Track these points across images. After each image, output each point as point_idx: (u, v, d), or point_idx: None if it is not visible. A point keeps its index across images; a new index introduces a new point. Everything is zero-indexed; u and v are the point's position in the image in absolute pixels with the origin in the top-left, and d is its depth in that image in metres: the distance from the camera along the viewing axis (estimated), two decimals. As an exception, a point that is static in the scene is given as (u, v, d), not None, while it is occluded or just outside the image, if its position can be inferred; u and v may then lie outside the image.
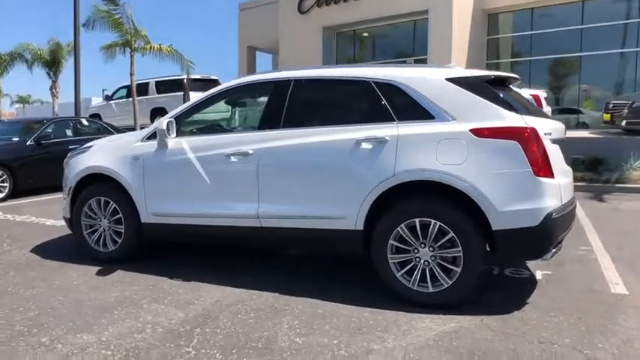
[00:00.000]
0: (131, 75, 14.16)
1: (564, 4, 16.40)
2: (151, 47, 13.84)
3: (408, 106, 3.64)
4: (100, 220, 4.68)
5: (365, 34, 20.08)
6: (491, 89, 3.59)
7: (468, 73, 3.69)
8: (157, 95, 15.24)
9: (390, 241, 3.56)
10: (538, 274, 4.26)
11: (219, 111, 4.74)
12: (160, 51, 13.94)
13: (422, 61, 16.91)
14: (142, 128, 15.44)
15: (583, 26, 16.34)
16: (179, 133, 4.33)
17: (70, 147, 9.42)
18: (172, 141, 4.30)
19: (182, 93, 14.86)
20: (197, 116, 4.49)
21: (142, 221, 4.44)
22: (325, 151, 3.76)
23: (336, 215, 3.71)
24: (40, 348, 2.96)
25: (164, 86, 15.21)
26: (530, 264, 4.47)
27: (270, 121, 4.04)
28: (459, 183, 3.35)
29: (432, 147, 3.45)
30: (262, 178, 3.93)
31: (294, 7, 19.35)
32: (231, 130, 4.51)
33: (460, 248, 3.39)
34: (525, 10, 17.31)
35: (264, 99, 4.79)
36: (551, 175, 3.38)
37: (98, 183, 4.68)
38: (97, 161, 4.65)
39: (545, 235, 3.34)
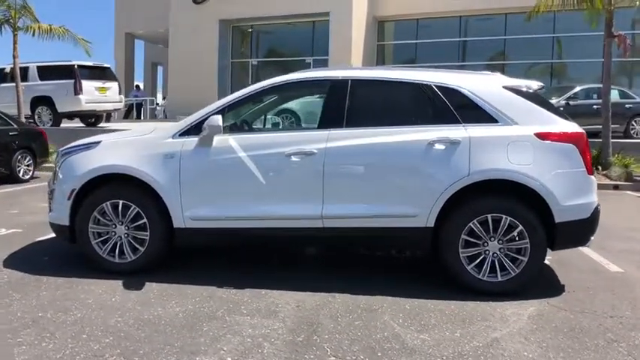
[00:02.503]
0: (14, 57, 12.10)
1: (446, 17, 18.21)
2: (39, 27, 11.99)
3: (471, 110, 3.89)
4: (115, 227, 4.11)
5: (259, 31, 19.97)
6: (540, 96, 4.03)
7: (519, 82, 4.08)
8: (39, 82, 13.30)
9: (462, 236, 3.79)
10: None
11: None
12: (51, 32, 12.17)
13: (323, 62, 17.42)
14: (27, 118, 13.39)
15: (461, 39, 18.35)
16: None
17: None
18: (218, 138, 3.97)
19: (72, 80, 13.24)
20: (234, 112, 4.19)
21: (176, 226, 4.03)
22: (396, 151, 3.85)
23: (407, 214, 3.82)
24: (166, 376, 2.59)
25: (48, 72, 13.32)
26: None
27: (331, 120, 3.97)
28: (531, 181, 3.71)
29: (503, 148, 3.75)
30: (328, 178, 3.86)
31: (187, -4, 18.46)
32: (284, 129, 4.27)
33: (527, 240, 3.75)
34: (411, 20, 18.84)
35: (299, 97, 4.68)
36: (593, 173, 3.92)
37: (113, 184, 4.12)
38: (116, 159, 4.08)
39: (592, 225, 3.87)
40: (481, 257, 3.81)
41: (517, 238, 3.77)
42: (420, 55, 19.04)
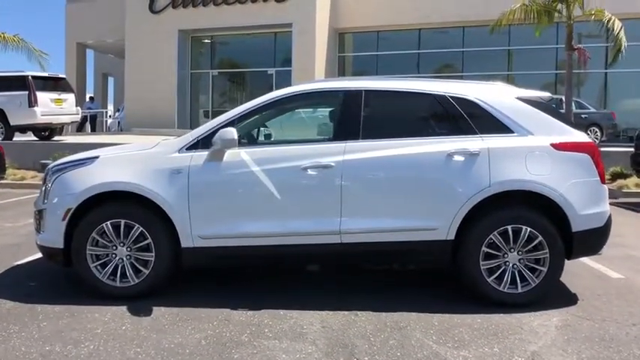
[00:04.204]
0: (-37, 67, 11.28)
1: (404, 30, 18.56)
2: (-9, 36, 11.20)
3: (487, 121, 3.89)
4: (116, 249, 3.81)
5: (219, 42, 19.65)
6: (551, 107, 4.09)
7: (531, 92, 4.13)
8: (-12, 94, 12.44)
9: (483, 248, 3.76)
10: (546, 268, 4.90)
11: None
12: (4, 40, 11.39)
13: (285, 73, 17.30)
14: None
15: (420, 51, 18.75)
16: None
17: None
18: (229, 152, 3.77)
19: (25, 92, 12.47)
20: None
21: (183, 246, 3.78)
22: (416, 164, 3.79)
23: (428, 227, 3.75)
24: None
25: (-3, 83, 12.49)
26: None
27: (346, 131, 3.86)
28: (551, 192, 3.73)
29: (522, 159, 3.77)
30: (346, 192, 3.74)
31: (144, 6, 17.91)
32: (297, 141, 4.09)
33: (547, 250, 3.76)
34: (371, 32, 19.05)
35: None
36: (605, 182, 4.00)
37: (114, 203, 3.83)
38: (118, 176, 3.79)
39: (606, 233, 3.94)
40: (501, 269, 3.78)
41: (537, 249, 3.77)
42: (380, 66, 19.25)
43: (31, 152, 11.87)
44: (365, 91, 3.97)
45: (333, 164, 3.75)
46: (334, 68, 19.04)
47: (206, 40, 19.52)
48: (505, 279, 3.77)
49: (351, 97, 3.95)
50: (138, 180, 3.77)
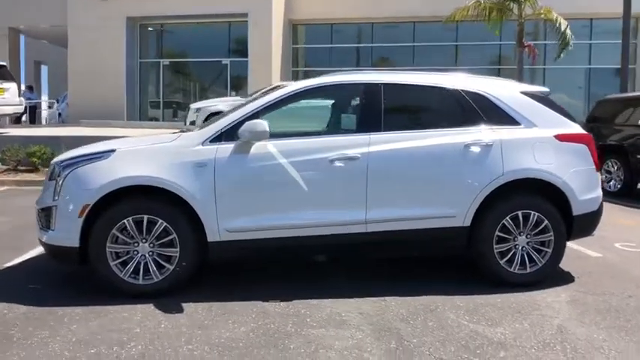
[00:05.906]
0: None
1: (358, 23, 18.83)
2: None
3: (496, 114, 4.14)
4: (137, 245, 3.71)
5: (170, 30, 19.02)
6: (551, 100, 4.40)
7: (533, 87, 4.42)
8: None
9: (496, 233, 4.01)
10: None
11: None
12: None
13: (241, 64, 17.08)
14: None
15: (373, 44, 19.10)
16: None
17: None
18: (256, 144, 3.77)
19: (-36, 82, 11.52)
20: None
21: (210, 240, 3.75)
22: (436, 154, 3.96)
23: (447, 214, 3.95)
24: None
25: None
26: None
27: (369, 124, 3.97)
28: (557, 179, 4.04)
29: (530, 149, 4.05)
30: (371, 183, 3.85)
31: (89, -10, 16.97)
32: (321, 133, 4.13)
33: (552, 233, 4.07)
34: (325, 24, 19.15)
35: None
36: (599, 170, 4.37)
37: (134, 198, 3.72)
38: (141, 170, 3.68)
39: (599, 216, 4.32)
40: (512, 252, 4.05)
41: (543, 232, 4.06)
42: (333, 59, 19.39)
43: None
44: (383, 84, 4.09)
45: (359, 156, 3.85)
46: (288, 60, 18.97)
47: (155, 29, 18.83)
48: (515, 261, 4.05)
49: (370, 90, 4.06)
50: (162, 174, 3.68)
